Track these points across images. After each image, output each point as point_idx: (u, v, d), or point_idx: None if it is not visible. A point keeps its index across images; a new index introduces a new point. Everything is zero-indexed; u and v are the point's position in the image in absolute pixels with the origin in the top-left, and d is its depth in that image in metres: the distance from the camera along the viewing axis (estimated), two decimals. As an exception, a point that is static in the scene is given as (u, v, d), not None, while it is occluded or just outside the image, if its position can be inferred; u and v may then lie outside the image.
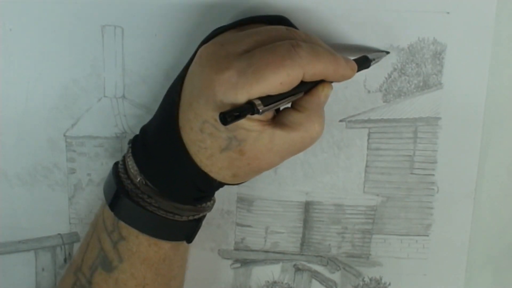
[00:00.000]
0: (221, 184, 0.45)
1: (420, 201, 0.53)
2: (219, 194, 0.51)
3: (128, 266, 0.46)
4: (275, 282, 0.56)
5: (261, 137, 0.42)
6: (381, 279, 0.55)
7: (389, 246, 0.55)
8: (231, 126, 0.40)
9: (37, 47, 0.50)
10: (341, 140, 0.52)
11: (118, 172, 0.46)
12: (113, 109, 0.52)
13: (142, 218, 0.45)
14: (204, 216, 0.48)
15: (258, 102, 0.39)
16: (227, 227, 0.55)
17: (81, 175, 0.53)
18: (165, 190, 0.45)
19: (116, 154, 0.53)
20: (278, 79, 0.40)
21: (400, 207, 0.54)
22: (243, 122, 0.40)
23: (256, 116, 0.40)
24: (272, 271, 0.56)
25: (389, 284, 0.55)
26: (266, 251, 0.55)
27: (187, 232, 0.47)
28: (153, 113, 0.46)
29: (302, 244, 0.55)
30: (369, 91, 0.51)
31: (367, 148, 0.52)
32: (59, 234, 0.55)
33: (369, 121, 0.52)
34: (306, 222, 0.54)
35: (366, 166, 0.53)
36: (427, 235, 0.54)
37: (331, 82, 0.43)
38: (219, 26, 0.46)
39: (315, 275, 0.56)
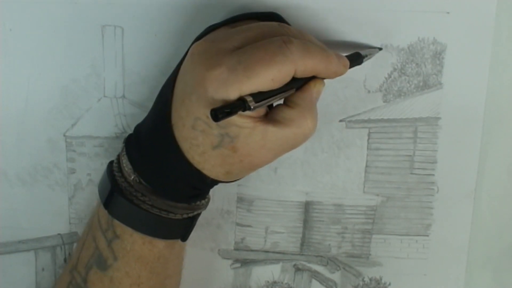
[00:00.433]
0: (214, 182, 0.44)
1: (420, 201, 0.53)
2: (219, 194, 0.51)
3: (122, 265, 0.46)
4: (275, 282, 0.56)
5: (253, 134, 0.42)
6: (381, 279, 0.55)
7: (389, 246, 0.54)
8: (223, 123, 0.40)
9: (37, 47, 0.50)
10: (341, 140, 0.52)
11: (112, 170, 0.46)
12: (113, 109, 0.52)
13: (136, 216, 0.45)
14: (199, 215, 0.48)
15: (249, 98, 0.39)
16: (227, 227, 0.55)
17: (81, 175, 0.53)
18: (159, 188, 0.45)
19: (116, 154, 0.53)
20: (269, 75, 0.40)
21: (400, 207, 0.54)
22: (235, 118, 0.40)
23: (248, 113, 0.40)
24: (272, 271, 0.56)
25: (389, 284, 0.55)
26: (266, 251, 0.55)
27: (181, 230, 0.47)
28: (153, 113, 0.46)
29: (302, 244, 0.55)
30: (369, 91, 0.51)
31: (367, 148, 0.52)
32: (59, 234, 0.55)
33: (369, 121, 0.52)
34: (306, 222, 0.54)
35: (366, 166, 0.53)
36: (427, 235, 0.54)
37: (323, 78, 0.43)
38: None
39: (315, 275, 0.56)
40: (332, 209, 0.54)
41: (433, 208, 0.53)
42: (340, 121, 0.52)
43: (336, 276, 0.56)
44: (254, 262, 0.56)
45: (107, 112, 0.52)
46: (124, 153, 0.46)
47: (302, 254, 0.55)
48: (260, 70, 0.39)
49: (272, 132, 0.42)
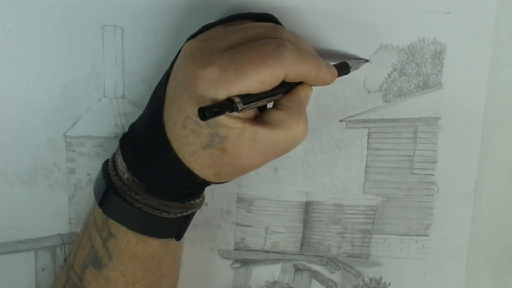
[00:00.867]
0: (205, 182, 0.44)
1: (420, 201, 0.53)
2: (219, 194, 0.51)
3: (117, 264, 0.46)
4: (275, 282, 0.56)
5: (243, 135, 0.41)
6: (381, 279, 0.55)
7: (389, 246, 0.54)
8: (212, 122, 0.40)
9: (37, 47, 0.50)
10: (341, 140, 0.52)
11: (107, 169, 0.46)
12: (113, 109, 0.52)
13: (130, 215, 0.45)
14: (193, 214, 0.48)
15: (237, 99, 0.39)
16: (227, 227, 0.55)
17: (81, 175, 0.53)
18: (152, 187, 0.45)
19: (116, 154, 0.53)
20: (259, 78, 0.39)
21: (400, 207, 0.54)
22: (224, 119, 0.40)
23: (236, 114, 0.40)
24: (272, 271, 0.56)
25: (389, 284, 0.55)
26: (266, 251, 0.55)
27: (176, 229, 0.47)
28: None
29: (302, 244, 0.55)
30: (369, 91, 0.51)
31: (367, 148, 0.52)
32: (59, 234, 0.55)
33: (369, 121, 0.52)
34: (306, 222, 0.54)
35: (366, 166, 0.53)
36: (427, 235, 0.54)
37: (311, 85, 0.43)
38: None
39: (315, 275, 0.56)
40: (332, 209, 0.54)
41: (433, 208, 0.53)
42: (340, 121, 0.52)
43: (336, 276, 0.56)
44: (254, 262, 0.56)
45: (107, 112, 0.52)
46: (119, 152, 0.46)
47: (302, 254, 0.55)
48: (251, 72, 0.39)
49: (262, 134, 0.42)
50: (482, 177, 0.53)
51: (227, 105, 0.39)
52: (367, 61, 0.49)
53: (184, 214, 0.47)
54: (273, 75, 0.40)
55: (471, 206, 0.53)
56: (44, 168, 0.53)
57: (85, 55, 0.50)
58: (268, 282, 0.56)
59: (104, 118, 0.52)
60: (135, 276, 0.47)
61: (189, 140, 0.42)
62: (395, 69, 0.50)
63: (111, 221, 0.46)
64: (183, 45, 0.43)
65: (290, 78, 0.41)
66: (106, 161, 0.47)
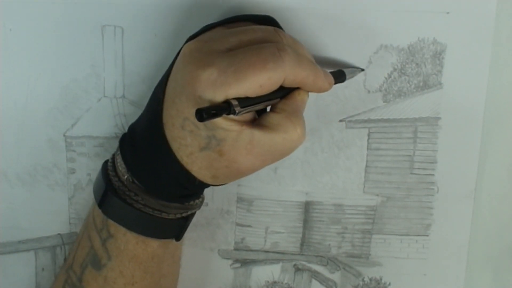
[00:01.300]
0: (203, 184, 0.44)
1: (420, 201, 0.53)
2: (219, 194, 0.51)
3: (116, 264, 0.46)
4: (275, 282, 0.56)
5: (240, 138, 0.41)
6: (381, 279, 0.55)
7: (389, 246, 0.54)
8: (210, 124, 0.40)
9: (37, 47, 0.50)
10: (341, 140, 0.52)
11: (107, 170, 0.46)
12: (113, 109, 0.52)
13: (129, 215, 0.45)
14: (193, 214, 0.48)
15: (235, 102, 0.39)
16: (227, 227, 0.55)
17: (81, 175, 0.53)
18: (151, 188, 0.45)
19: (116, 154, 0.53)
20: (258, 81, 0.39)
21: (400, 207, 0.54)
22: (221, 121, 0.40)
23: (233, 116, 0.40)
24: (272, 271, 0.56)
25: (389, 284, 0.55)
26: (266, 251, 0.55)
27: (175, 230, 0.47)
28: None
29: (302, 244, 0.55)
30: (369, 91, 0.51)
31: (367, 148, 0.52)
32: (59, 234, 0.55)
33: (369, 121, 0.52)
34: (306, 222, 0.54)
35: (366, 166, 0.53)
36: (427, 235, 0.54)
37: (307, 91, 0.43)
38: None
39: (315, 275, 0.56)
40: (332, 209, 0.54)
41: (433, 208, 0.53)
42: (340, 121, 0.52)
43: (336, 276, 0.56)
44: (254, 262, 0.56)
45: (107, 112, 0.52)
46: (119, 152, 0.46)
47: (302, 254, 0.55)
48: (250, 75, 0.39)
49: (259, 137, 0.42)
50: (482, 177, 0.53)
51: (224, 108, 0.38)
52: (362, 70, 0.49)
53: (183, 214, 0.47)
54: (271, 79, 0.40)
55: (471, 206, 0.53)
56: (44, 168, 0.53)
57: (85, 55, 0.50)
58: (268, 282, 0.56)
59: (104, 118, 0.52)
60: (134, 276, 0.47)
61: (187, 142, 0.42)
62: (395, 69, 0.50)
63: (110, 221, 0.46)
64: (183, 45, 0.43)
65: (288, 83, 0.41)
66: (106, 162, 0.47)
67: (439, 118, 0.51)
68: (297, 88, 0.43)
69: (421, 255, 0.55)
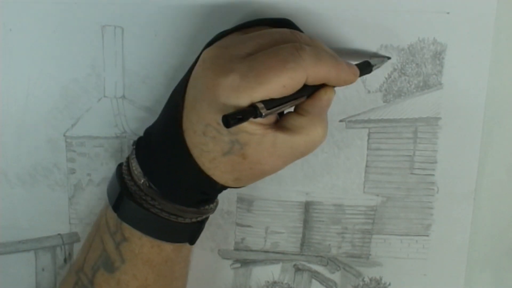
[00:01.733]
0: (224, 188, 0.45)
1: (420, 201, 0.53)
2: (219, 194, 0.51)
3: (130, 267, 0.46)
4: (275, 282, 0.56)
5: (263, 141, 0.42)
6: (381, 279, 0.55)
7: (389, 246, 0.54)
8: (233, 129, 0.40)
9: (37, 47, 0.50)
10: (341, 140, 0.52)
11: (121, 173, 0.46)
12: (113, 109, 0.52)
13: (145, 220, 0.45)
14: (207, 218, 0.48)
15: (261, 105, 0.39)
16: (227, 227, 0.55)
17: (81, 175, 0.53)
18: (168, 193, 0.45)
19: (116, 154, 0.53)
20: (281, 82, 0.40)
21: (400, 207, 0.54)
22: (245, 125, 0.40)
23: (258, 120, 0.40)
24: (272, 271, 0.56)
25: (389, 284, 0.55)
26: (266, 251, 0.55)
27: (189, 234, 0.47)
28: (153, 113, 0.46)
29: (302, 244, 0.55)
30: (369, 91, 0.51)
31: (367, 148, 0.52)
32: (59, 234, 0.55)
33: (369, 121, 0.52)
34: (306, 222, 0.54)
35: (366, 166, 0.53)
36: (427, 235, 0.54)
37: (333, 86, 0.43)
38: (219, 26, 0.46)
39: (315, 275, 0.56)
40: (332, 209, 0.54)
41: (433, 208, 0.53)
42: (340, 121, 0.52)
43: (336, 276, 0.56)
44: (254, 262, 0.56)
45: (107, 112, 0.52)
46: (134, 156, 0.45)
47: (302, 254, 0.55)
48: (272, 77, 0.39)
49: (282, 140, 0.42)
50: (482, 177, 0.53)
51: (250, 112, 0.39)
52: (389, 58, 0.49)
53: (198, 219, 0.47)
54: (293, 78, 0.40)
55: (471, 206, 0.53)
56: (44, 168, 0.53)
57: (85, 55, 0.50)
58: (268, 282, 0.56)
59: (104, 118, 0.52)
60: (147, 279, 0.47)
61: (209, 147, 0.42)
62: (395, 69, 0.50)
63: (125, 225, 0.46)
64: (201, 52, 0.43)
65: (311, 81, 0.41)
66: (120, 165, 0.47)
67: (439, 118, 0.51)
68: (323, 85, 0.43)
69: (421, 255, 0.55)
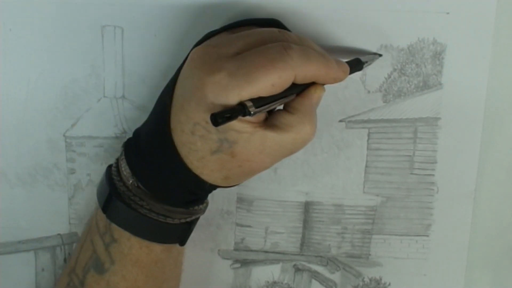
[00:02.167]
0: (213, 187, 0.44)
1: (420, 201, 0.53)
2: (219, 194, 0.51)
3: (119, 268, 0.46)
4: (275, 282, 0.56)
5: (252, 139, 0.42)
6: (381, 279, 0.55)
7: (389, 246, 0.54)
8: (222, 128, 0.40)
9: (37, 48, 0.50)
10: (341, 140, 0.52)
11: (111, 174, 0.46)
12: (113, 109, 0.52)
13: (134, 220, 0.45)
14: (197, 219, 0.48)
15: (249, 103, 0.39)
16: (227, 227, 0.55)
17: (81, 175, 0.53)
18: (157, 193, 0.45)
19: (116, 154, 0.52)
20: (269, 81, 0.40)
21: (400, 207, 0.54)
22: (234, 123, 0.40)
23: (247, 118, 0.40)
24: (272, 271, 0.56)
25: (389, 284, 0.55)
26: (266, 251, 0.55)
27: (179, 235, 0.47)
28: (153, 113, 0.46)
29: (302, 244, 0.55)
30: (369, 91, 0.51)
31: (367, 148, 0.52)
32: (59, 234, 0.55)
33: (369, 121, 0.52)
34: (306, 222, 0.54)
35: (366, 166, 0.53)
36: (427, 235, 0.54)
37: (323, 84, 0.43)
38: (219, 27, 0.46)
39: (315, 275, 0.56)
40: (332, 209, 0.54)
41: (433, 208, 0.53)
42: (340, 121, 0.52)
43: (336, 276, 0.56)
44: (254, 262, 0.56)
45: (107, 112, 0.52)
46: (123, 157, 0.45)
47: (302, 254, 0.55)
48: (261, 75, 0.39)
49: (271, 138, 0.42)
50: (482, 177, 0.53)
51: (239, 110, 0.39)
52: (380, 55, 0.49)
53: (188, 219, 0.47)
54: (282, 77, 0.40)
55: (471, 206, 0.53)
56: (44, 168, 0.53)
57: (85, 55, 0.50)
58: (268, 282, 0.56)
59: (104, 118, 0.52)
60: (137, 281, 0.47)
61: (197, 146, 0.42)
62: (395, 69, 0.50)
63: (114, 225, 0.46)
64: (190, 52, 0.43)
65: (300, 79, 0.41)
66: (109, 166, 0.47)
67: (439, 118, 0.51)
68: (313, 83, 0.43)
69: (421, 255, 0.55)
